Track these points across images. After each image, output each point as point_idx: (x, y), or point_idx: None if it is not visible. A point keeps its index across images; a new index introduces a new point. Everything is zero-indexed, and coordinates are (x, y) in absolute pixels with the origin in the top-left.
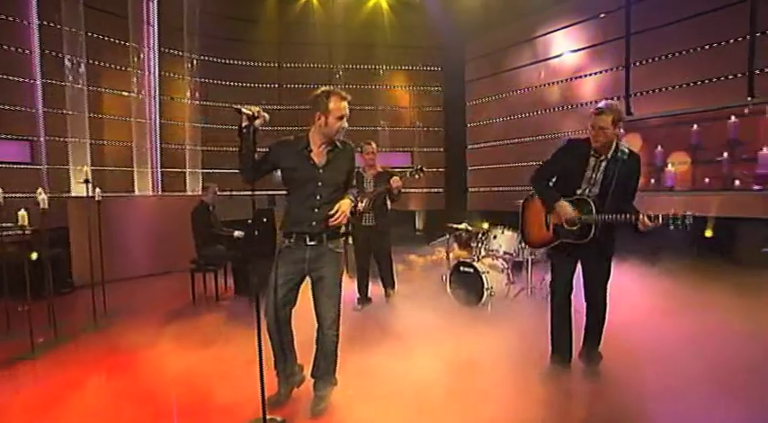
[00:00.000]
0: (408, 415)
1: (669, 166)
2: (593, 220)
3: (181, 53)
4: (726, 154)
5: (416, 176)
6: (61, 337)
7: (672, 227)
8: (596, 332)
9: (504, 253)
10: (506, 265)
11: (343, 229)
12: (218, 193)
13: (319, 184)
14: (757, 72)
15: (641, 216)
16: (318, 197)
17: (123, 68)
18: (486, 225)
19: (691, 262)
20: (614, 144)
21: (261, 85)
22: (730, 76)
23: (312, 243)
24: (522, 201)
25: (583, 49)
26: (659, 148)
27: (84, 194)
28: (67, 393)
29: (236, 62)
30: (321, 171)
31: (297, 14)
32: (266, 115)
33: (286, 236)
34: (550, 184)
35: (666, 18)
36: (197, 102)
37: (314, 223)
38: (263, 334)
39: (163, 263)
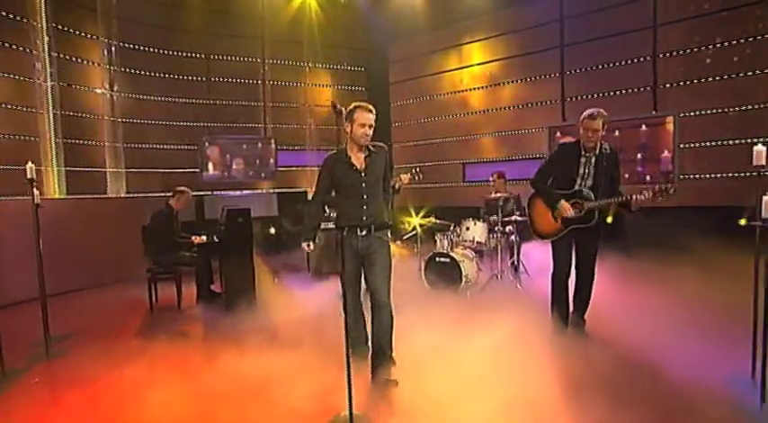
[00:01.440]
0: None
1: None
2: (596, 207)
3: (94, 37)
4: (639, 155)
5: (417, 179)
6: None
7: (660, 198)
8: (585, 302)
9: (477, 242)
10: (475, 255)
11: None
12: (147, 194)
13: (363, 185)
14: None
15: (633, 196)
16: (365, 197)
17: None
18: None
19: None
20: (599, 143)
21: (188, 77)
22: (641, 89)
23: (362, 234)
24: (527, 200)
25: (508, 58)
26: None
27: None
28: None
29: (161, 51)
30: (364, 175)
31: (225, 3)
32: None
33: (340, 229)
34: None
35: (593, 34)
36: (119, 93)
37: (363, 218)
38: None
39: (90, 276)
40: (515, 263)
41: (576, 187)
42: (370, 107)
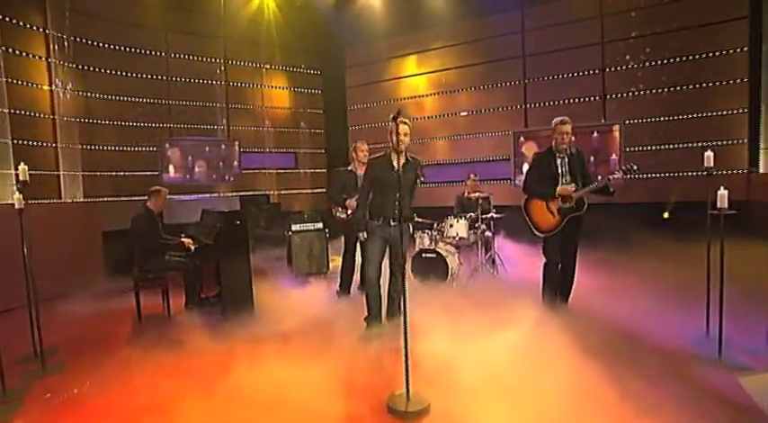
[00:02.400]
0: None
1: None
2: (583, 193)
3: (42, 29)
4: (592, 158)
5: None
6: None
7: (629, 176)
8: (569, 288)
9: (460, 238)
10: (457, 250)
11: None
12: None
13: (399, 185)
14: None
15: (610, 178)
16: (398, 194)
17: None
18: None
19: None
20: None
21: (148, 75)
22: (592, 99)
23: (394, 224)
24: (522, 205)
25: (469, 65)
26: (533, 151)
27: None
28: None
29: (118, 47)
30: (401, 177)
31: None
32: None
33: (374, 219)
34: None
35: (555, 46)
36: (73, 91)
37: (396, 211)
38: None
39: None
40: (492, 256)
41: (561, 185)
42: (407, 120)
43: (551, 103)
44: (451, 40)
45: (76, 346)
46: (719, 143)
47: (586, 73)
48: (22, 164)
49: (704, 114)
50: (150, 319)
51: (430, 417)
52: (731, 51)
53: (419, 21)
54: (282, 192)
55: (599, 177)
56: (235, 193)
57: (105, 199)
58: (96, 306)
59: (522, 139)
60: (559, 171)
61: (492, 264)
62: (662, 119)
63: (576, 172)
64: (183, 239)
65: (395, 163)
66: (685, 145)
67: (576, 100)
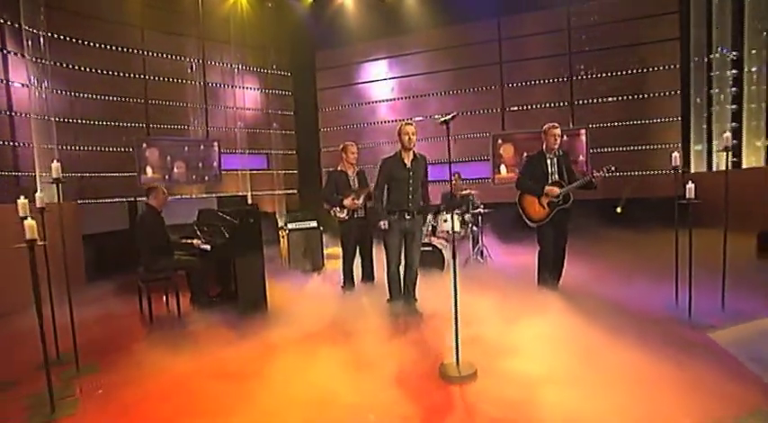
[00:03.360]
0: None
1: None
2: (569, 189)
3: (14, 23)
4: None
5: None
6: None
7: (608, 174)
8: (560, 270)
9: (454, 232)
10: (447, 243)
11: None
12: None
13: (410, 180)
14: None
15: (595, 175)
16: (410, 188)
17: None
18: None
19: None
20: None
21: (125, 74)
22: (561, 105)
23: (408, 217)
24: (517, 199)
25: (451, 70)
26: (524, 153)
27: None
28: None
29: (93, 44)
30: (411, 172)
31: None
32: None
33: (391, 213)
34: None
35: (529, 54)
36: (49, 90)
37: (409, 205)
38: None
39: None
40: (480, 248)
41: (550, 182)
42: (410, 122)
43: (526, 108)
44: (424, 47)
45: (96, 347)
46: (656, 147)
47: (556, 80)
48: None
49: (647, 121)
50: (161, 320)
51: (479, 380)
52: (665, 67)
53: (394, 26)
54: (255, 193)
55: (585, 177)
56: (210, 195)
57: (85, 201)
58: (95, 310)
59: (500, 141)
60: (549, 170)
61: (481, 255)
62: (617, 124)
63: (563, 170)
64: (194, 241)
65: (406, 160)
66: (634, 148)
67: (548, 105)
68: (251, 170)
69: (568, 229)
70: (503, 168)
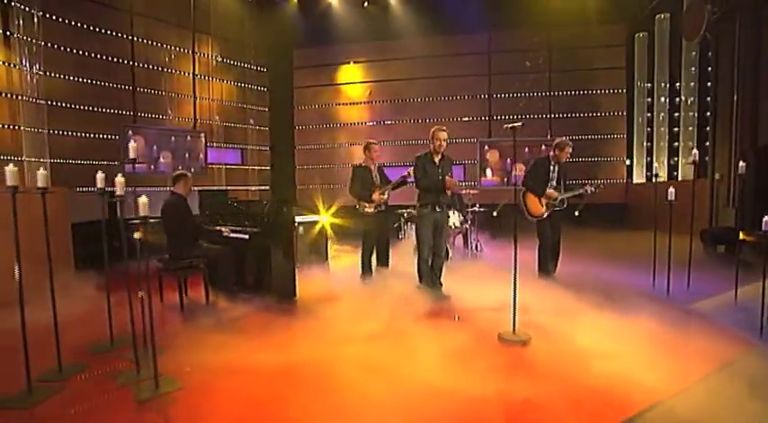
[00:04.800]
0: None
1: (514, 170)
2: (565, 197)
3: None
4: None
5: None
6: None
7: (596, 190)
8: (556, 260)
9: (455, 228)
10: (450, 236)
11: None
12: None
13: (440, 177)
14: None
15: (588, 190)
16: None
17: None
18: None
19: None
20: None
21: (113, 58)
22: (541, 117)
23: (439, 210)
24: (521, 195)
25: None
26: (508, 160)
27: None
28: None
29: (83, 26)
30: (440, 170)
31: None
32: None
33: (423, 206)
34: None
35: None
36: (41, 72)
37: (440, 198)
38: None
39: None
40: (477, 242)
41: (549, 187)
42: (444, 128)
43: (510, 118)
44: (406, 53)
45: (139, 333)
46: (608, 159)
47: (537, 95)
48: None
49: (603, 136)
50: (192, 308)
51: (533, 343)
52: (616, 91)
53: (376, 32)
54: (230, 187)
55: (581, 190)
56: (193, 188)
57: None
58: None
59: (486, 147)
60: (551, 176)
61: (475, 248)
62: (582, 137)
63: (561, 179)
64: (222, 229)
65: (435, 159)
66: (590, 159)
67: (530, 117)
68: (226, 165)
69: (561, 226)
70: (489, 172)
